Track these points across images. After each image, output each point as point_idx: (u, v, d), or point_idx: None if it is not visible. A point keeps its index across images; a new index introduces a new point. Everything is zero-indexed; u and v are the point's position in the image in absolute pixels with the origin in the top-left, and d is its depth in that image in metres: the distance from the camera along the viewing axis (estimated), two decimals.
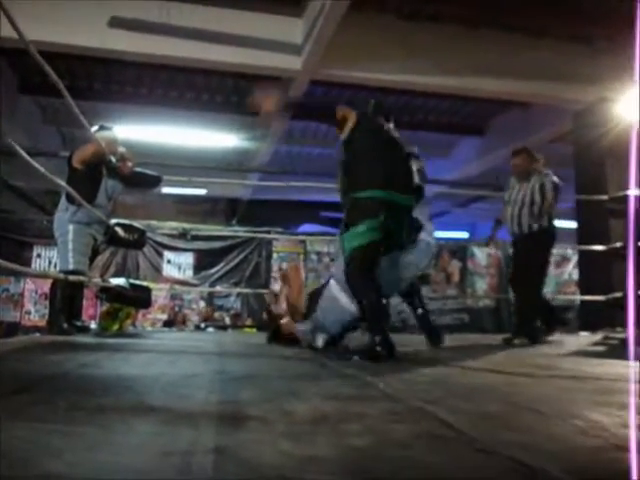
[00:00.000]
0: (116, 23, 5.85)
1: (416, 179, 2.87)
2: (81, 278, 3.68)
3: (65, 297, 3.78)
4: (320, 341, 2.96)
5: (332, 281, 3.01)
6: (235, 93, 8.82)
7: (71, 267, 3.69)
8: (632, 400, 1.56)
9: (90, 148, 3.81)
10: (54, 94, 3.33)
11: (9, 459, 0.83)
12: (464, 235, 15.36)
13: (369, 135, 2.89)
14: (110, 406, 1.25)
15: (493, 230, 4.54)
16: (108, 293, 3.93)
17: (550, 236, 4.09)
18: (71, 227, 3.75)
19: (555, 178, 4.12)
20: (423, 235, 2.98)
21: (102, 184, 3.91)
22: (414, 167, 2.90)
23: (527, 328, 3.98)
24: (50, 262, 8.42)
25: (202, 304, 9.69)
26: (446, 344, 3.43)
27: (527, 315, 4.04)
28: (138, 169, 4.14)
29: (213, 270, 9.64)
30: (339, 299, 2.90)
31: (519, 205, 4.06)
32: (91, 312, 8.06)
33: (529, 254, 4.04)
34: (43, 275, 7.76)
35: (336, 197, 3.36)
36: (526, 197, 4.04)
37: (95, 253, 4.12)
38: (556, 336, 4.28)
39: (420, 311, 3.36)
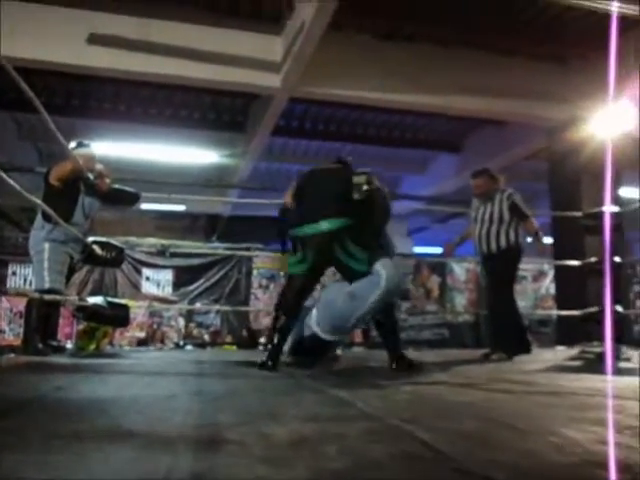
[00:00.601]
0: (95, 40, 5.84)
1: (355, 195, 2.96)
2: (57, 297, 3.63)
3: (40, 316, 3.71)
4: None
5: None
6: (213, 110, 8.84)
7: (47, 286, 3.63)
8: (611, 415, 1.59)
9: (67, 165, 3.78)
10: (30, 110, 3.30)
11: None
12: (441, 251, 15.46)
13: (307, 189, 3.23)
14: (86, 432, 1.24)
15: (455, 244, 4.57)
16: (85, 312, 3.88)
17: (518, 252, 4.17)
18: (47, 245, 3.70)
19: (514, 192, 4.21)
20: (377, 266, 2.85)
21: (79, 201, 3.87)
22: (355, 181, 2.99)
23: (503, 343, 4.02)
24: (26, 280, 8.27)
25: (181, 321, 9.59)
26: (424, 360, 3.44)
27: (502, 330, 4.08)
28: (116, 186, 4.11)
29: (192, 287, 9.56)
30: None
31: (487, 225, 4.12)
32: (67, 331, 7.92)
33: (500, 271, 4.12)
34: (19, 294, 7.63)
35: None
36: (494, 215, 4.11)
37: (72, 271, 4.06)
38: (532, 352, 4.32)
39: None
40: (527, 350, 4.09)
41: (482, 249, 4.17)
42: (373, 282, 2.81)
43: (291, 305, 3.05)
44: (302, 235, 3.03)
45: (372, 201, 2.99)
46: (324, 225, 2.97)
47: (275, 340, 3.01)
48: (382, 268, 2.81)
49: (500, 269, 4.10)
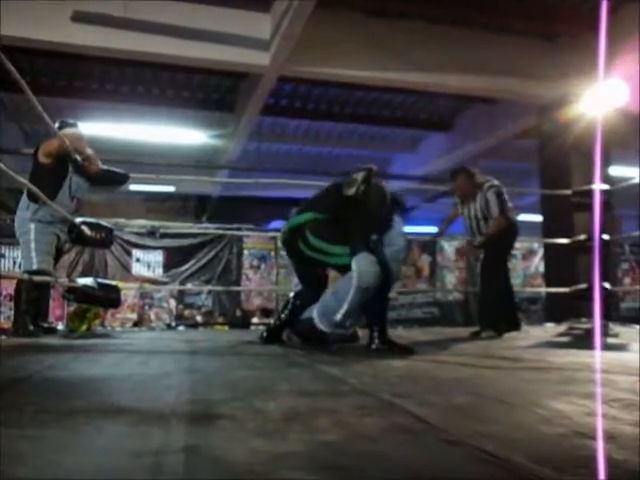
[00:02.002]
0: (79, 18, 5.73)
1: (348, 190, 3.02)
2: (46, 278, 3.60)
3: (30, 298, 3.69)
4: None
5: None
6: (201, 89, 8.74)
7: (35, 267, 3.60)
8: (596, 389, 1.61)
9: (55, 142, 3.73)
10: (15, 90, 3.22)
11: None
12: (433, 230, 15.52)
13: None
14: (78, 408, 1.24)
15: (442, 227, 4.57)
16: (75, 293, 3.85)
17: (512, 233, 4.19)
18: (32, 226, 3.66)
19: (495, 183, 4.18)
20: (353, 263, 2.83)
21: (66, 182, 3.82)
22: (352, 177, 3.09)
23: (493, 321, 4.06)
24: (15, 262, 8.21)
25: (173, 302, 9.59)
26: (415, 339, 3.47)
27: (492, 308, 4.12)
28: (104, 167, 4.06)
29: (183, 268, 9.54)
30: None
31: (475, 221, 4.15)
32: (58, 313, 7.90)
33: (493, 250, 4.15)
34: (7, 276, 7.58)
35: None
36: (478, 213, 4.13)
37: (59, 252, 4.03)
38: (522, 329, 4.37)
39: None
40: (517, 327, 4.13)
41: (477, 240, 4.19)
42: (348, 279, 2.82)
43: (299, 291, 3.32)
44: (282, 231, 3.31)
45: (366, 197, 2.99)
46: (289, 223, 3.17)
47: (279, 320, 3.26)
48: (356, 264, 2.79)
49: (493, 249, 4.13)
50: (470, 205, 4.18)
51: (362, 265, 2.78)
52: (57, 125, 3.77)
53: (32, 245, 3.65)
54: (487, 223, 4.11)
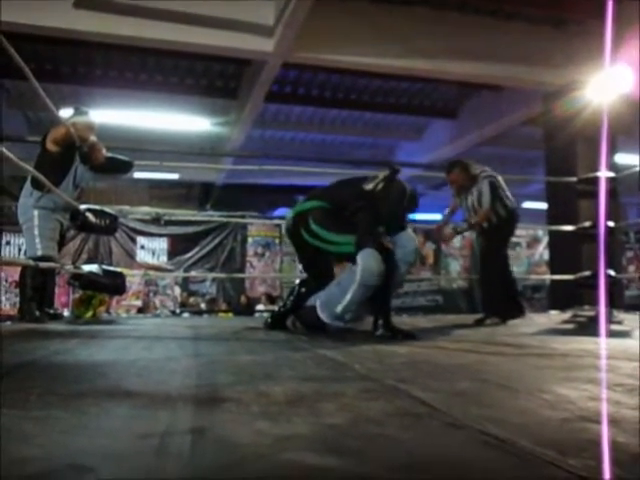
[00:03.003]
0: (83, 4, 5.69)
1: (367, 185, 3.04)
2: (51, 264, 3.61)
3: (36, 284, 3.71)
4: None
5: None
6: (205, 76, 8.70)
7: (39, 253, 3.61)
8: (600, 375, 1.62)
9: (62, 129, 3.72)
10: (19, 77, 3.20)
11: None
12: (438, 217, 15.50)
13: None
14: (85, 392, 1.25)
15: (445, 217, 4.54)
16: (80, 280, 3.87)
17: (512, 220, 4.18)
18: (36, 212, 3.66)
19: (490, 173, 4.15)
20: (358, 258, 2.83)
21: (71, 170, 3.82)
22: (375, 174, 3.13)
23: (497, 308, 4.07)
24: (20, 249, 8.25)
25: (177, 290, 9.63)
26: (419, 325, 3.48)
27: (495, 295, 4.13)
28: (109, 154, 4.05)
29: (188, 255, 9.57)
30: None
31: (473, 212, 4.14)
32: (64, 299, 7.95)
33: (493, 238, 4.16)
34: (12, 262, 7.61)
35: (310, 180, 3.43)
36: (475, 203, 4.12)
37: (63, 239, 4.04)
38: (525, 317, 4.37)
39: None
40: (521, 313, 4.13)
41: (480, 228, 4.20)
42: (352, 273, 2.83)
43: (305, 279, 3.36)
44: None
45: (383, 194, 2.98)
46: (294, 210, 3.18)
47: (284, 307, 3.30)
48: (361, 260, 2.79)
49: (493, 237, 4.13)
50: (467, 197, 4.18)
51: (367, 262, 2.78)
52: (70, 112, 3.77)
53: (36, 232, 3.66)
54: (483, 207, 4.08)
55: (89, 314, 4.01)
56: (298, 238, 3.13)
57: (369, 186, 3.00)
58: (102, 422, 0.99)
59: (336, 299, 2.88)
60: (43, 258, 3.56)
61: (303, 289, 3.23)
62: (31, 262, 3.44)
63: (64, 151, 3.74)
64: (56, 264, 3.75)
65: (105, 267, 4.12)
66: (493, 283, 4.12)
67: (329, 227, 2.98)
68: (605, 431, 0.95)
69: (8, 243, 8.45)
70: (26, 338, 2.63)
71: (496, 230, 4.09)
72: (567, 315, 4.74)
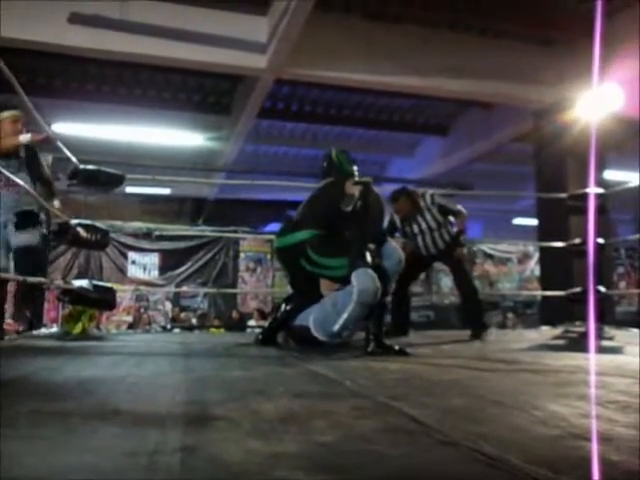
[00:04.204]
0: (76, 19, 5.73)
1: (345, 207, 3.03)
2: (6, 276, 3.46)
3: None
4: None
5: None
6: (198, 92, 8.74)
7: None
8: (592, 391, 1.61)
9: None
10: (8, 90, 3.14)
11: None
12: None
13: None
14: (72, 409, 1.23)
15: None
16: (70, 295, 3.82)
17: (455, 246, 4.31)
18: None
19: (430, 193, 4.33)
20: (353, 278, 2.84)
21: None
22: (349, 192, 3.10)
23: (476, 322, 4.11)
24: None
25: (168, 305, 9.57)
26: (411, 342, 3.47)
27: (475, 309, 4.21)
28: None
29: (179, 270, 9.54)
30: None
31: (429, 233, 4.22)
32: (53, 315, 7.87)
33: (456, 260, 4.30)
34: None
35: (302, 196, 3.44)
36: (431, 223, 4.22)
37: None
38: (493, 334, 4.41)
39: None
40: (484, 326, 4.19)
41: (434, 250, 4.27)
42: (348, 294, 2.83)
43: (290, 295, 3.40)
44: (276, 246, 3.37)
45: (364, 211, 3.00)
46: (284, 240, 3.20)
47: (274, 322, 3.32)
48: (356, 280, 2.80)
49: (454, 259, 4.27)
50: (418, 221, 4.25)
51: (363, 282, 2.79)
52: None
53: None
54: (442, 230, 4.21)
55: (78, 330, 3.96)
56: (295, 266, 3.16)
57: (349, 207, 3.01)
58: (91, 441, 0.97)
59: (332, 319, 2.87)
60: None
61: (288, 306, 3.25)
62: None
63: None
64: (45, 279, 3.69)
65: (95, 282, 4.08)
66: (476, 296, 4.26)
67: (327, 254, 3.03)
68: (598, 449, 0.94)
69: None
70: (14, 354, 2.59)
71: (451, 254, 4.25)
72: (559, 331, 4.75)
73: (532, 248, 10.43)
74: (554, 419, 1.21)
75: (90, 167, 3.93)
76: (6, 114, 3.64)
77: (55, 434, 1.01)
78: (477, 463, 0.88)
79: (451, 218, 4.29)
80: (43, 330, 4.62)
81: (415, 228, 4.27)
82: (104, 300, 3.94)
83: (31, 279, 3.38)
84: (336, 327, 2.85)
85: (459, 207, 4.28)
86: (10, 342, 3.37)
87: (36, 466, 0.82)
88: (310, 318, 2.97)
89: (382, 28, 6.64)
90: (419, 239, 4.28)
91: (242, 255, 9.93)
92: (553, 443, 1.01)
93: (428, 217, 4.23)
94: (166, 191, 11.91)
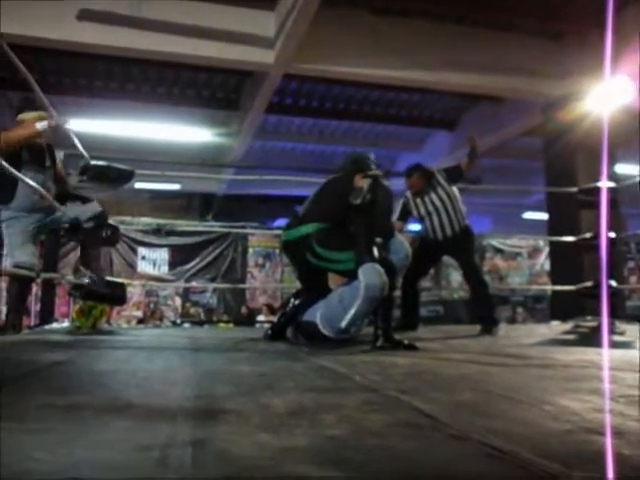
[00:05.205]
0: (85, 16, 5.74)
1: (354, 200, 2.97)
2: (18, 271, 3.46)
3: (12, 293, 3.66)
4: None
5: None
6: (207, 87, 8.74)
7: (10, 262, 3.54)
8: (606, 385, 1.61)
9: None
10: (22, 88, 3.16)
11: None
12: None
13: None
14: (84, 403, 1.24)
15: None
16: (81, 291, 3.86)
17: (471, 232, 4.33)
18: (4, 225, 3.59)
19: (439, 169, 4.43)
20: (360, 273, 2.83)
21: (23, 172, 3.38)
22: (358, 185, 3.03)
23: (486, 317, 4.09)
24: None
25: (178, 300, 9.61)
26: (420, 336, 3.46)
27: (485, 304, 4.18)
28: (103, 163, 3.99)
29: (189, 266, 9.58)
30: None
31: (443, 209, 4.20)
32: (64, 310, 7.93)
33: (467, 250, 4.27)
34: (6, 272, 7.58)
35: (310, 191, 3.43)
36: (443, 196, 4.22)
37: (57, 236, 3.93)
38: (503, 329, 4.37)
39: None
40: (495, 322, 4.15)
41: (445, 234, 4.21)
42: (355, 289, 2.82)
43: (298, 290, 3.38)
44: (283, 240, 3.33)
45: (372, 205, 2.99)
46: (290, 234, 3.19)
47: (283, 317, 3.29)
48: (363, 275, 2.79)
49: (466, 248, 4.25)
50: (431, 197, 4.25)
51: (370, 277, 2.78)
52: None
53: (6, 241, 3.60)
54: (455, 209, 4.19)
55: (89, 325, 4.00)
56: (301, 261, 3.16)
57: (357, 200, 2.99)
58: (101, 434, 0.98)
59: (339, 314, 2.87)
60: (18, 266, 3.49)
61: (297, 301, 3.25)
62: (33, 273, 3.41)
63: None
64: (55, 274, 3.73)
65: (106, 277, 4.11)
66: (486, 289, 4.23)
67: (333, 247, 3.01)
68: (610, 443, 0.94)
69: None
70: (26, 349, 2.62)
71: (471, 238, 4.26)
72: (569, 326, 4.73)
73: (542, 242, 10.37)
74: (565, 413, 1.20)
75: (101, 163, 3.95)
76: (32, 114, 3.66)
77: (67, 428, 1.02)
78: (488, 457, 0.88)
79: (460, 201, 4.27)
80: (54, 325, 4.66)
81: (429, 206, 4.25)
82: (114, 295, 3.97)
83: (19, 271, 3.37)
84: (343, 323, 2.85)
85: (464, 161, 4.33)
86: (23, 336, 3.41)
87: (49, 459, 0.83)
88: (317, 314, 2.97)
89: (389, 22, 6.60)
90: (428, 222, 4.25)
91: (251, 250, 9.95)
92: (564, 437, 1.01)
93: (440, 192, 4.23)
94: (175, 187, 11.94)
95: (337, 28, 6.38)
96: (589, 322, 4.53)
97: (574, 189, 5.37)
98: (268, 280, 9.95)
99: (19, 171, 3.32)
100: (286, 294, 9.29)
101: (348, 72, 6.78)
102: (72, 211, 3.76)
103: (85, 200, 3.89)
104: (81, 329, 3.94)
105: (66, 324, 4.63)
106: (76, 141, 3.69)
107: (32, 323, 6.39)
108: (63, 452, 0.87)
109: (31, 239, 3.66)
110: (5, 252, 3.62)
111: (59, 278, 3.90)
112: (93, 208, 3.82)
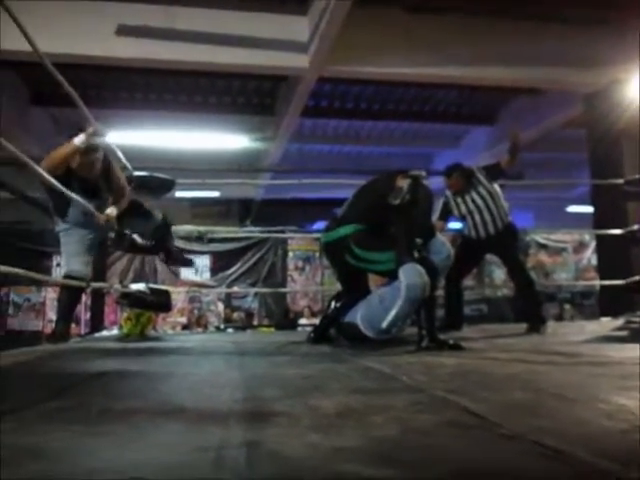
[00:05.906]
0: (122, 31, 5.90)
1: (394, 200, 2.97)
2: (69, 282, 3.53)
3: (63, 302, 3.75)
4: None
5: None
6: (242, 94, 8.86)
7: (64, 271, 3.63)
8: None
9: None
10: (65, 104, 3.26)
11: (50, 459, 0.87)
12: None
13: None
14: (139, 408, 1.28)
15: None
16: (128, 298, 3.97)
17: (515, 228, 4.26)
18: (61, 235, 3.68)
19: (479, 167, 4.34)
20: (400, 274, 2.82)
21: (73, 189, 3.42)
22: (398, 185, 3.03)
23: (533, 315, 4.00)
24: None
25: (220, 305, 9.75)
26: (464, 336, 3.42)
27: (532, 301, 4.09)
28: (150, 173, 4.11)
29: (230, 271, 9.71)
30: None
31: (485, 207, 4.13)
32: (112, 318, 8.16)
33: (511, 247, 4.20)
34: (57, 282, 7.84)
35: (348, 193, 3.44)
36: (484, 193, 4.14)
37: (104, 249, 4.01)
38: (551, 326, 4.27)
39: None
40: (543, 320, 4.04)
41: (487, 232, 4.14)
42: (396, 290, 2.81)
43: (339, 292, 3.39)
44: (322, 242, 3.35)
45: (412, 205, 2.98)
46: (329, 236, 3.21)
47: (325, 319, 3.33)
48: (403, 275, 2.78)
49: (509, 245, 4.18)
50: (472, 196, 4.17)
51: (410, 277, 2.77)
52: None
53: (63, 250, 3.70)
54: (497, 206, 4.11)
55: (137, 331, 4.10)
56: (340, 262, 3.18)
57: (397, 201, 2.98)
58: (157, 437, 1.01)
59: (380, 315, 2.87)
60: (70, 275, 3.58)
61: (338, 303, 3.26)
62: (67, 281, 3.48)
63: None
64: (104, 284, 3.83)
65: (151, 285, 4.22)
66: (533, 289, 4.15)
67: (371, 248, 3.01)
68: None
69: (59, 265, 8.73)
70: (79, 356, 2.71)
71: (514, 237, 4.19)
72: (619, 322, 4.58)
73: (588, 236, 10.08)
74: (621, 412, 1.17)
75: (143, 173, 4.05)
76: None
77: (124, 431, 1.05)
78: (542, 457, 0.87)
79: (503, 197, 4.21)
80: (104, 332, 4.81)
81: (470, 205, 4.19)
82: (160, 302, 4.08)
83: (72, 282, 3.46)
84: (384, 324, 2.84)
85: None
86: (75, 344, 3.52)
87: (111, 460, 0.87)
88: (357, 315, 2.97)
89: (421, 19, 6.55)
90: (470, 220, 4.19)
91: (290, 254, 10.01)
92: (621, 437, 0.99)
93: (481, 190, 4.15)
94: (215, 194, 12.11)
95: (369, 28, 6.37)
96: None
97: (620, 180, 5.22)
98: (308, 283, 9.99)
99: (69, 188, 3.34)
100: (327, 297, 9.31)
101: (382, 72, 6.76)
102: (135, 226, 3.87)
103: (148, 214, 3.98)
104: (129, 336, 4.04)
105: (115, 331, 4.76)
106: (119, 153, 3.79)
107: (82, 331, 6.61)
108: (124, 453, 0.90)
109: (87, 250, 3.72)
110: (62, 262, 3.74)
111: (107, 287, 4.01)
112: (155, 222, 3.92)
